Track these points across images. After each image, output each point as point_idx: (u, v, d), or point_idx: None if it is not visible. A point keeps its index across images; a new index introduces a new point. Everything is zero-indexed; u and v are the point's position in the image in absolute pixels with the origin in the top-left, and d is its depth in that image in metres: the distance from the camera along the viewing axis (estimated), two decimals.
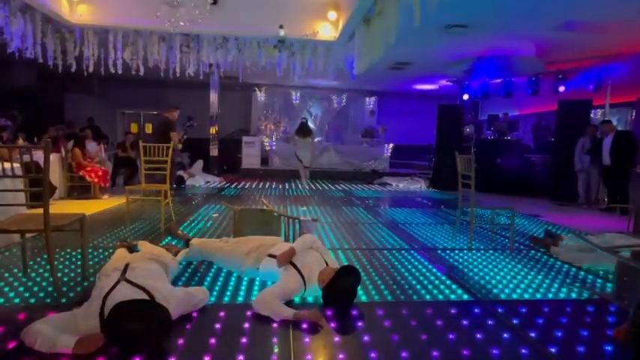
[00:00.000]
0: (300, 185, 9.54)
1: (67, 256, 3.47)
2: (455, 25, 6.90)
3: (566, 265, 3.67)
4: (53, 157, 6.75)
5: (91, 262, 3.27)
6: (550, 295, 2.95)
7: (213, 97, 11.33)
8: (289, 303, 2.53)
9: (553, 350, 2.12)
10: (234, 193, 8.15)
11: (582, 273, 3.47)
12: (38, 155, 6.75)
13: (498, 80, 10.39)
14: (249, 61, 8.03)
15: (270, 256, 2.92)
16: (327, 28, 7.53)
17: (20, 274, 2.95)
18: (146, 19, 5.80)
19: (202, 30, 7.13)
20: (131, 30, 7.28)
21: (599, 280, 3.30)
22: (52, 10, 6.42)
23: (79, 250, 3.11)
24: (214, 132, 11.49)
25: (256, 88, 14.12)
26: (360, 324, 2.38)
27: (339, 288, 2.51)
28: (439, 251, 4.06)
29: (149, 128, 14.19)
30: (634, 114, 10.08)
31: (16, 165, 3.94)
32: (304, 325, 2.26)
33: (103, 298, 2.06)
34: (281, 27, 6.98)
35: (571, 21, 6.59)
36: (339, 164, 12.38)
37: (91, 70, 7.62)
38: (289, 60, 7.98)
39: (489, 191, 8.94)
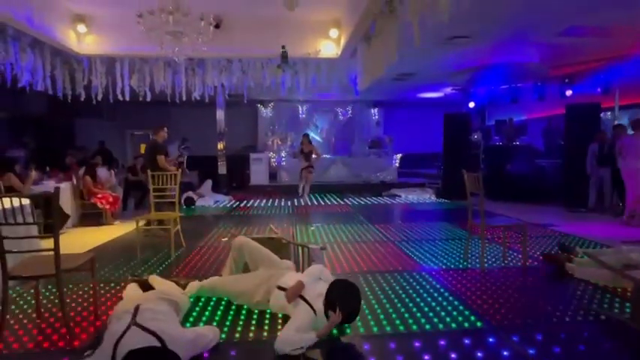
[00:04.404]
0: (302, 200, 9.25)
1: (80, 292, 3.50)
2: (457, 37, 6.91)
3: (582, 284, 3.59)
4: (65, 185, 6.88)
5: (102, 299, 3.30)
6: (566, 319, 2.89)
7: (220, 114, 11.40)
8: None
9: None
10: (243, 213, 8.11)
11: (599, 292, 3.39)
12: (50, 185, 6.92)
13: (504, 86, 10.33)
14: (253, 82, 8.12)
15: (280, 288, 2.91)
16: (329, 46, 7.58)
17: (34, 315, 2.99)
18: (151, 47, 5.92)
19: (206, 54, 7.23)
20: (137, 57, 7.44)
21: (617, 300, 3.22)
22: (60, 43, 6.59)
23: (91, 285, 3.14)
24: (222, 147, 11.48)
25: (259, 105, 14.24)
26: None
27: (335, 296, 2.61)
28: (451, 272, 4.01)
29: None
30: None
31: (26, 202, 4.03)
32: None
33: (114, 345, 2.07)
34: (283, 49, 7.03)
35: (573, 27, 6.55)
36: (347, 177, 12.26)
37: (99, 98, 7.79)
38: (293, 79, 8.05)
39: (499, 198, 8.84)
